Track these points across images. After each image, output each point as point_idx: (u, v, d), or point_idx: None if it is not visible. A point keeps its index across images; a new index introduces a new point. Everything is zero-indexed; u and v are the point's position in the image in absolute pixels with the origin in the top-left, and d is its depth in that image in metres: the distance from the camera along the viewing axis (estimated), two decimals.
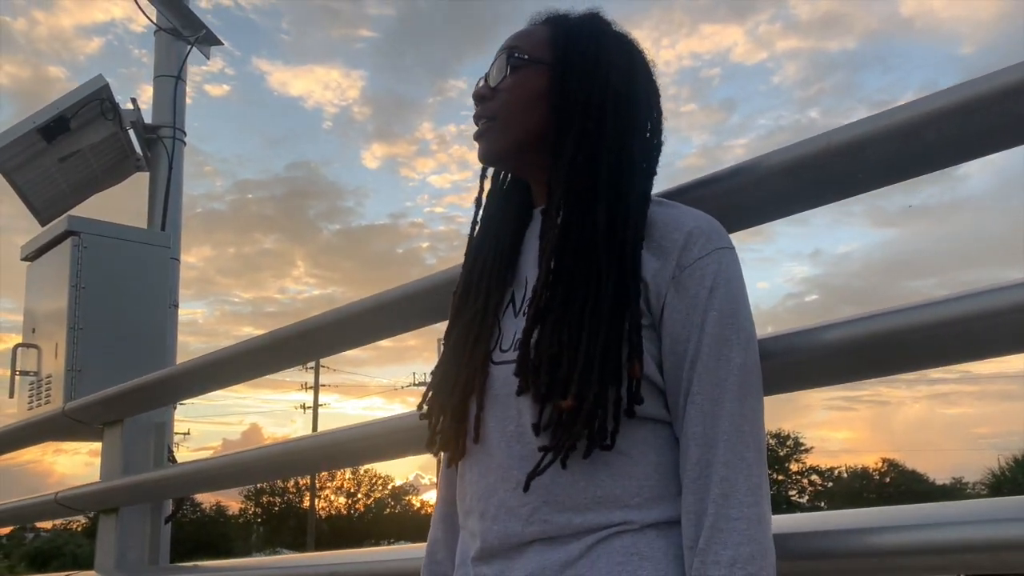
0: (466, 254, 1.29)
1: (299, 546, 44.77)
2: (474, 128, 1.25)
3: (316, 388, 38.99)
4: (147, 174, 4.24)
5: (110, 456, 2.63)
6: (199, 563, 2.37)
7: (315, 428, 38.58)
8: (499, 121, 1.20)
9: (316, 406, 38.69)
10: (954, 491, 63.83)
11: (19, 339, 3.94)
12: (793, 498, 34.58)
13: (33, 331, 3.82)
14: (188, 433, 47.23)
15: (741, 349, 1.05)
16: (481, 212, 1.29)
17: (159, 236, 3.88)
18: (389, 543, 49.41)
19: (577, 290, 1.08)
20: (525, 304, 1.15)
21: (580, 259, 1.10)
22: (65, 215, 3.66)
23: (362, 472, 47.70)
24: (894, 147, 1.12)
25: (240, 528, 51.69)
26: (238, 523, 52.18)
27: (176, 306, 4.02)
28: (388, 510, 48.82)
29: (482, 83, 1.25)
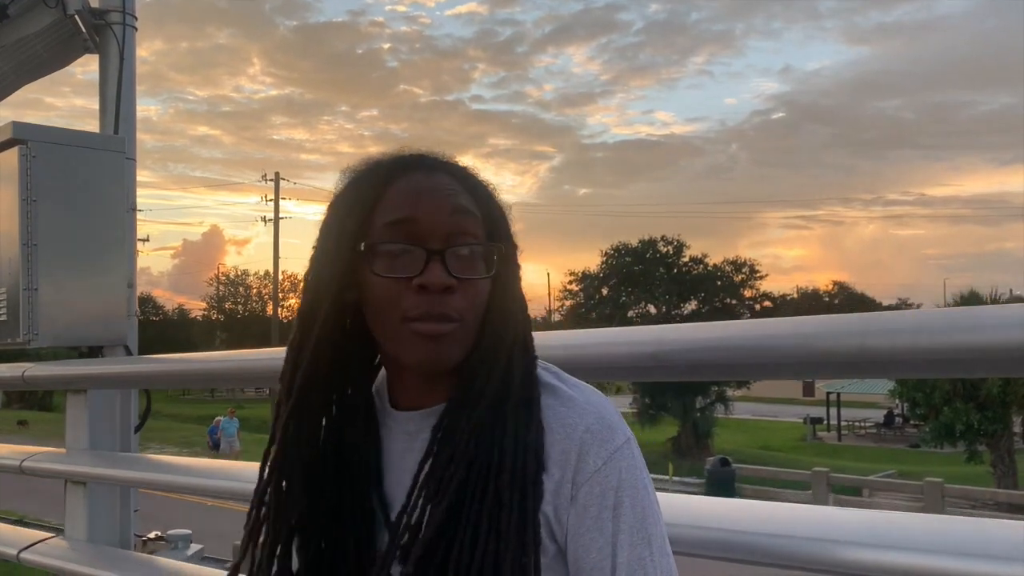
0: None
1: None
2: None
3: (276, 202, 38.64)
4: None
5: (75, 425, 2.56)
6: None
7: (276, 240, 38.56)
8: (465, 325, 1.03)
9: (277, 219, 38.49)
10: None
11: None
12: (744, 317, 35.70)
13: None
14: (148, 239, 46.87)
15: (655, 566, 0.98)
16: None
17: (113, 140, 3.64)
18: None
19: (465, 528, 0.97)
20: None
21: (475, 489, 0.99)
22: (9, 122, 3.40)
23: None
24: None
25: (204, 332, 52.55)
26: (201, 326, 52.95)
27: (134, 209, 3.84)
28: None
29: (439, 269, 1.01)
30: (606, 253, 35.77)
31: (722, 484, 17.90)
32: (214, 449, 24.45)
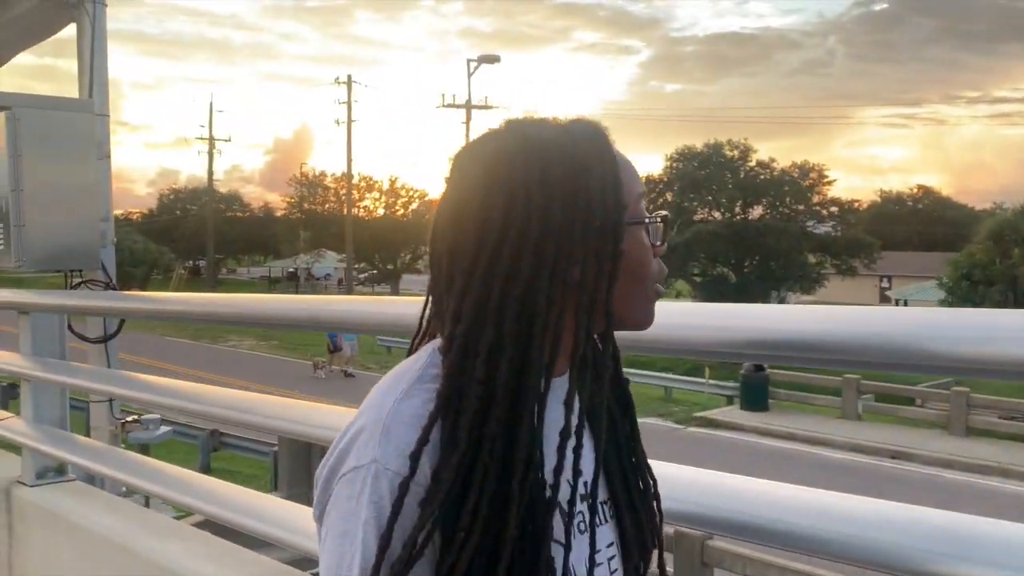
0: None
1: (341, 249, 47.53)
2: None
3: (349, 105, 39.50)
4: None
5: (24, 337, 3.47)
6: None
7: (349, 142, 39.42)
8: None
9: (349, 122, 39.38)
10: (987, 219, 64.07)
11: None
12: (809, 228, 35.30)
13: None
14: (230, 140, 48.37)
15: None
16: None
17: (85, 103, 4.47)
18: None
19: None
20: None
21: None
22: None
23: (399, 185, 49.16)
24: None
25: (287, 230, 54.60)
26: (284, 224, 55.02)
27: (108, 156, 4.69)
28: (427, 217, 50.48)
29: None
30: (670, 158, 35.77)
31: (755, 389, 18.52)
32: (335, 351, 23.51)
